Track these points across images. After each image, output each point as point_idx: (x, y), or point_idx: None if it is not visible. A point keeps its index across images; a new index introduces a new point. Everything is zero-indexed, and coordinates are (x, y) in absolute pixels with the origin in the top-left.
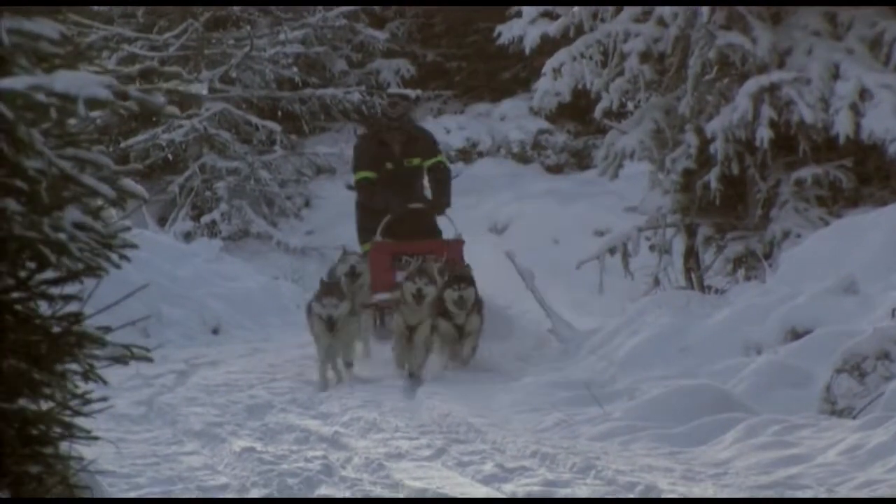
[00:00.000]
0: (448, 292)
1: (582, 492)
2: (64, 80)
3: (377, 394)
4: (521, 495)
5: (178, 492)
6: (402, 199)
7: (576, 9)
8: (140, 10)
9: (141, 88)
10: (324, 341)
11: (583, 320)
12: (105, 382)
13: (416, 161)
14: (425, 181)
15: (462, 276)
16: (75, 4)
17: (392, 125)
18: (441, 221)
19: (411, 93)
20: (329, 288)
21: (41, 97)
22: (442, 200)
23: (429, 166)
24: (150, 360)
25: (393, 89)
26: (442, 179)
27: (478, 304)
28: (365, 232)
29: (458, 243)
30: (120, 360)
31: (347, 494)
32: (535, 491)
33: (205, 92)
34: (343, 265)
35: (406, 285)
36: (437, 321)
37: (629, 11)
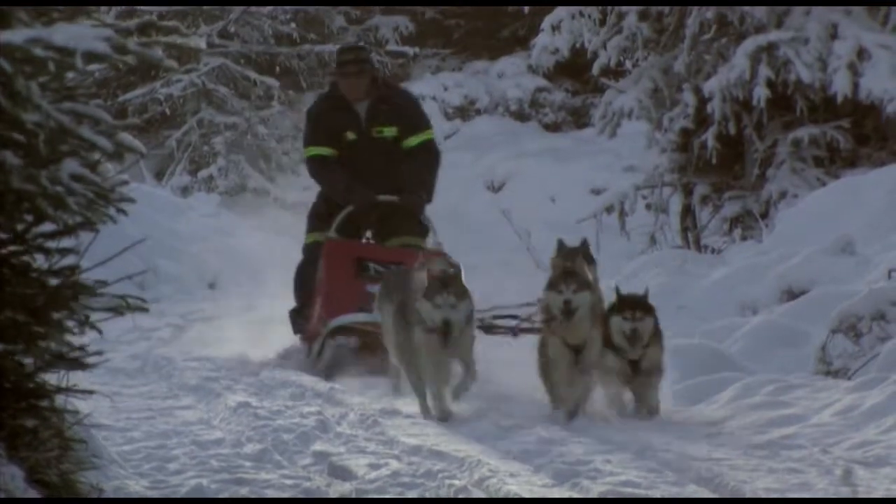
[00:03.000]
0: (616, 321)
1: (576, 450)
2: (63, 34)
3: None
4: (515, 452)
5: (173, 445)
6: (369, 185)
7: None
8: None
9: (139, 42)
10: (432, 358)
11: None
12: (100, 332)
13: (388, 131)
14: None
15: (635, 301)
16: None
17: (348, 77)
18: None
19: (409, 50)
20: (443, 281)
21: (39, 50)
22: (419, 191)
23: (412, 146)
24: (145, 310)
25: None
26: (426, 163)
27: (658, 335)
28: (316, 219)
29: (434, 256)
30: (116, 311)
31: (342, 450)
32: (531, 449)
33: (203, 46)
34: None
35: (550, 296)
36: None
37: None
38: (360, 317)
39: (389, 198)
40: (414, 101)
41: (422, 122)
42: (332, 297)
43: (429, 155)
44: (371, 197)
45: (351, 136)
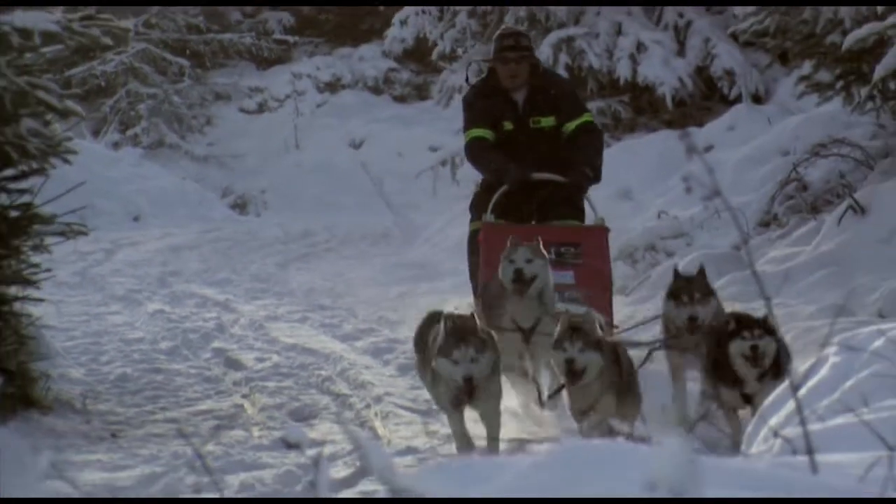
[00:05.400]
0: (736, 343)
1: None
2: (22, 17)
3: (261, 268)
4: (370, 351)
5: (104, 342)
6: (526, 163)
7: None
8: None
9: (83, 25)
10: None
11: (419, 216)
12: (50, 252)
13: (545, 121)
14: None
15: (751, 319)
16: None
17: (508, 63)
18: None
19: (290, 38)
20: (462, 331)
21: (6, 27)
22: (582, 169)
23: (573, 130)
24: (85, 234)
25: (277, 35)
26: (588, 143)
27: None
28: (477, 207)
29: (600, 231)
30: (63, 235)
31: (235, 347)
32: (381, 347)
33: (131, 28)
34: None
35: (670, 308)
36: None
37: None
38: None
39: (545, 175)
40: (571, 88)
41: (578, 107)
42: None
43: (590, 135)
44: (525, 174)
45: (508, 125)
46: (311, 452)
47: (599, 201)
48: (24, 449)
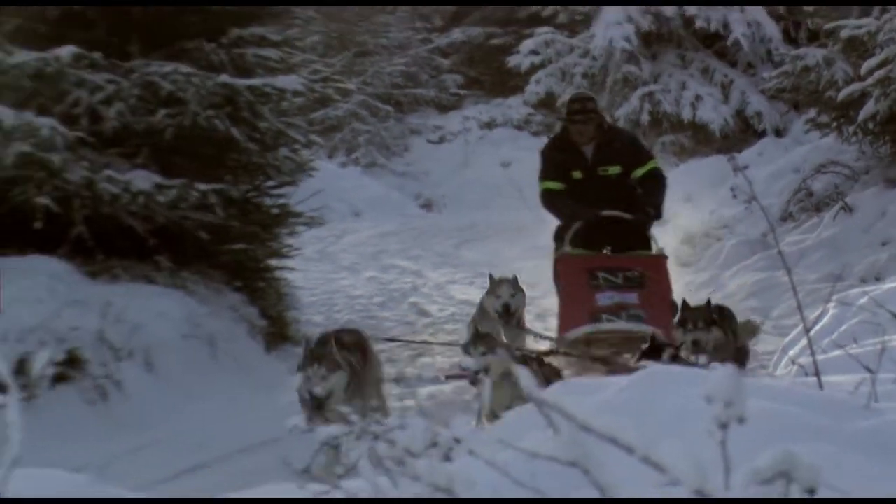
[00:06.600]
0: (680, 333)
1: None
2: (280, 81)
3: (442, 248)
4: None
5: (336, 299)
6: (595, 206)
7: None
8: None
9: (321, 86)
10: None
11: (546, 214)
12: (299, 235)
13: (612, 170)
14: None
15: (697, 313)
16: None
17: (576, 123)
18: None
19: (461, 92)
20: (317, 351)
21: (269, 89)
22: (646, 208)
23: (639, 176)
24: (322, 224)
25: (452, 90)
26: (654, 187)
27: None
28: (557, 240)
29: (660, 259)
30: (307, 224)
31: (424, 302)
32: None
33: (353, 88)
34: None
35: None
36: None
37: None
38: (586, 328)
39: (613, 213)
40: (635, 139)
41: (643, 155)
42: (566, 310)
43: (654, 180)
44: (595, 212)
45: (577, 174)
46: (476, 374)
47: (671, 206)
48: (282, 370)
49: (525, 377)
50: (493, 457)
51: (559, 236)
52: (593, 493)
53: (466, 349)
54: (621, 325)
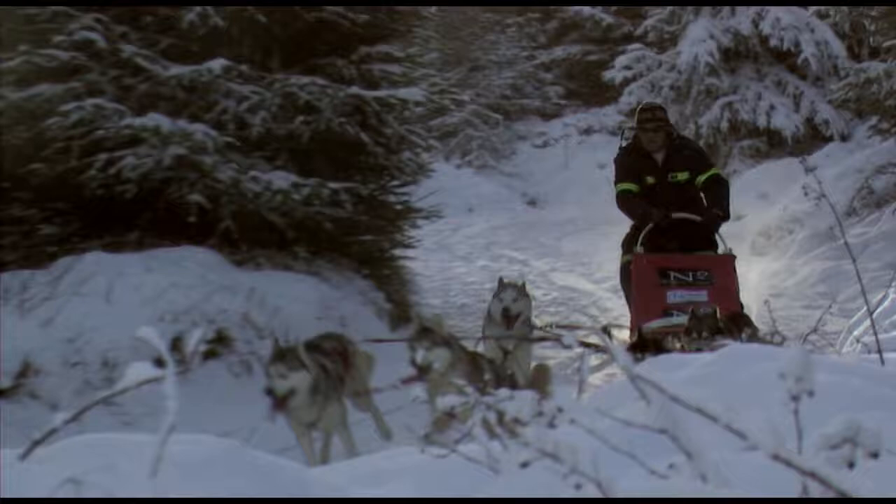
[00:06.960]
0: (685, 340)
1: None
2: (402, 92)
3: (545, 240)
4: (610, 290)
5: (451, 284)
6: (665, 209)
7: None
8: None
9: (440, 97)
10: (296, 429)
11: None
12: (420, 229)
13: (681, 176)
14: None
15: (702, 322)
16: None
17: (647, 131)
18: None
19: (562, 101)
20: (282, 350)
21: (393, 100)
22: (713, 210)
23: (704, 182)
24: (440, 217)
25: (554, 100)
26: (719, 190)
27: None
28: (626, 244)
29: (728, 259)
30: (427, 218)
31: (530, 287)
32: (617, 287)
33: (467, 98)
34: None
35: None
36: None
37: None
38: (659, 322)
39: (683, 214)
40: (700, 148)
41: (707, 163)
42: (639, 308)
43: (718, 184)
44: (665, 214)
45: (650, 179)
46: (578, 350)
47: (749, 203)
48: (404, 347)
49: (621, 355)
50: (592, 425)
51: (627, 243)
52: (682, 458)
53: (411, 345)
54: None
